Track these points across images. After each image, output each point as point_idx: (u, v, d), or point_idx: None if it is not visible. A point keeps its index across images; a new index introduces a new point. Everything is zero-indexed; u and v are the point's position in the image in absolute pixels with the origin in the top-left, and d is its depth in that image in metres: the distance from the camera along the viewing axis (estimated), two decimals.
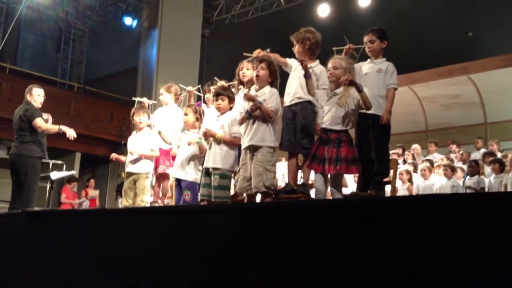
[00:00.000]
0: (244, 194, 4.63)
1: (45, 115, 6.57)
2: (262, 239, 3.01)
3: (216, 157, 4.73)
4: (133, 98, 6.67)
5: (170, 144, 5.92)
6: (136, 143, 6.03)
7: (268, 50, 4.62)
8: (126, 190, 5.94)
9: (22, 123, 6.38)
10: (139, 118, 6.05)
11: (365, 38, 4.60)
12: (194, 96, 6.07)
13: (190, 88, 5.89)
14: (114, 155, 6.37)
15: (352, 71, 4.17)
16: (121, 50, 16.77)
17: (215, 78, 5.40)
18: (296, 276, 2.78)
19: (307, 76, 4.29)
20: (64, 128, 6.55)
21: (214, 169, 4.72)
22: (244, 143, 4.40)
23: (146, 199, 5.87)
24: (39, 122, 6.38)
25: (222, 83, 5.19)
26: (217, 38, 17.38)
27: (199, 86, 6.11)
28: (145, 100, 6.54)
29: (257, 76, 4.45)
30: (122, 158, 6.33)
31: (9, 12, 15.20)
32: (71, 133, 6.54)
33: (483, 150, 9.87)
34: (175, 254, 3.41)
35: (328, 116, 4.14)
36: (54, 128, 6.52)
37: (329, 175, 4.17)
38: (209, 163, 4.78)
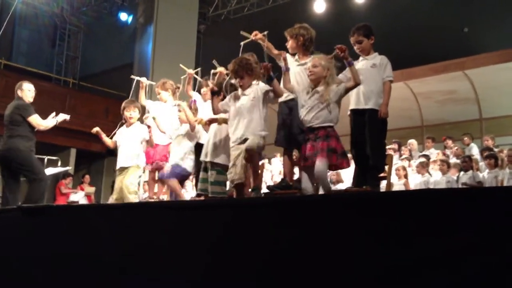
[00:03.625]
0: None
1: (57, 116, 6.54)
2: (257, 235, 3.01)
3: (212, 150, 4.74)
4: (132, 77, 6.56)
5: (164, 133, 5.87)
6: (126, 137, 5.95)
7: (265, 33, 4.63)
8: (117, 183, 5.87)
9: (15, 116, 6.26)
10: (130, 113, 5.95)
11: (352, 39, 4.56)
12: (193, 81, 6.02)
13: (190, 70, 5.84)
14: (96, 129, 6.03)
15: (331, 68, 4.21)
16: (116, 46, 16.72)
17: (214, 61, 5.34)
18: (293, 272, 2.78)
19: (285, 68, 4.34)
20: (59, 118, 6.51)
21: (212, 164, 4.73)
22: (237, 137, 4.35)
23: (132, 187, 5.71)
24: (36, 120, 6.28)
25: (221, 69, 5.17)
26: (213, 34, 17.35)
27: (199, 69, 6.03)
28: (143, 79, 6.45)
29: (240, 86, 4.45)
30: (105, 138, 6.10)
31: (4, 8, 15.14)
32: (66, 118, 6.54)
33: (472, 145, 9.92)
34: (172, 250, 3.41)
35: (312, 114, 4.15)
36: (52, 122, 6.43)
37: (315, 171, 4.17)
38: (206, 156, 4.79)
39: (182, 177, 5.78)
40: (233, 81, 4.66)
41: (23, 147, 6.23)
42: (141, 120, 6.13)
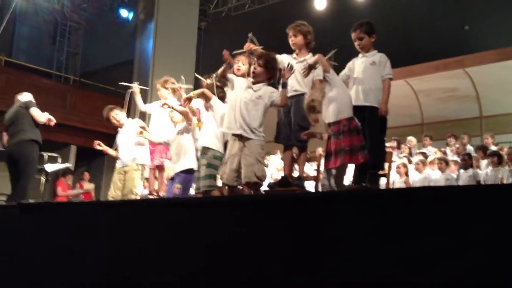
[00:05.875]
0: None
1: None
2: (257, 232, 3.01)
3: (205, 137, 4.84)
4: (120, 84, 6.58)
5: (160, 143, 5.90)
6: (123, 136, 5.99)
7: (250, 34, 4.64)
8: (115, 181, 5.90)
9: (21, 110, 6.44)
10: (114, 120, 6.02)
11: (353, 35, 4.57)
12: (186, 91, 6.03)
13: (180, 85, 5.84)
14: (98, 142, 6.18)
15: (322, 89, 4.27)
16: (117, 43, 16.70)
17: (196, 74, 5.41)
18: (293, 269, 2.78)
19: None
20: (50, 116, 6.59)
21: (202, 152, 4.77)
22: (232, 128, 4.37)
23: (136, 191, 5.82)
24: (35, 111, 6.42)
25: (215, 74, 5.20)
26: (213, 31, 17.33)
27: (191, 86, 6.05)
28: (135, 85, 6.42)
29: (253, 72, 4.42)
30: (109, 151, 6.20)
31: (4, 4, 15.11)
32: (53, 120, 6.61)
33: (469, 147, 9.92)
34: (171, 247, 3.42)
35: (325, 110, 4.22)
36: (46, 115, 6.53)
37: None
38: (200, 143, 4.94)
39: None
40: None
41: (33, 136, 6.38)
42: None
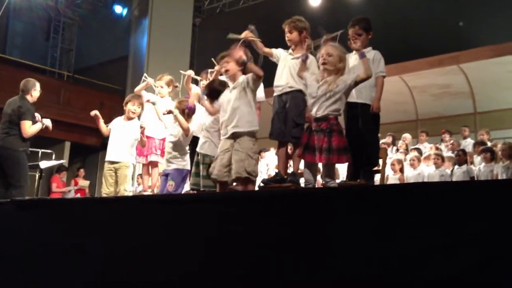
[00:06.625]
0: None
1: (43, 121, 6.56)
2: (252, 228, 3.01)
3: (203, 142, 4.87)
4: (145, 75, 6.53)
5: (161, 121, 5.88)
6: (123, 130, 5.95)
7: (252, 27, 4.60)
8: (106, 176, 5.86)
9: (13, 116, 6.35)
10: (134, 107, 5.94)
11: (351, 31, 4.54)
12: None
13: (189, 72, 5.85)
14: (95, 112, 5.99)
15: (344, 60, 4.11)
16: (111, 39, 16.65)
17: (212, 59, 5.35)
18: (287, 266, 2.78)
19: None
20: (46, 122, 6.55)
21: (204, 157, 4.77)
22: (226, 131, 4.39)
23: (128, 188, 5.81)
24: (25, 125, 6.33)
25: (218, 68, 5.17)
26: (208, 27, 17.31)
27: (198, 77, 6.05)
28: (151, 81, 6.37)
29: (226, 71, 4.48)
30: (102, 125, 6.09)
31: None
32: (49, 124, 6.57)
33: (469, 140, 9.97)
34: (167, 244, 3.41)
35: (317, 105, 4.09)
36: (38, 127, 6.47)
37: (320, 165, 4.18)
38: (201, 148, 4.92)
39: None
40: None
41: (19, 147, 6.32)
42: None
